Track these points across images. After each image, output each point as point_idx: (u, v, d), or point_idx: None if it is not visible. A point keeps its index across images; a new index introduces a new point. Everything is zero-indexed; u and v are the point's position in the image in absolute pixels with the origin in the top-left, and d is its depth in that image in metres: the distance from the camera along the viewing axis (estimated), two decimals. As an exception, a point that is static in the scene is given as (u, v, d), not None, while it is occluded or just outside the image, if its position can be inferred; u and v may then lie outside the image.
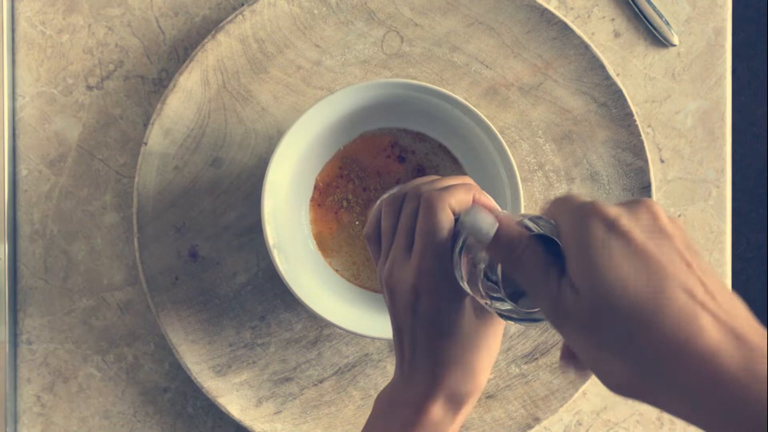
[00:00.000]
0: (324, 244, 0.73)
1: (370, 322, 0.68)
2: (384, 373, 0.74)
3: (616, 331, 0.40)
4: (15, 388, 0.75)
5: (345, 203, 0.72)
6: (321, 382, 0.74)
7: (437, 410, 0.52)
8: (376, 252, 0.58)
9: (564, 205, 0.45)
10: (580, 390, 0.74)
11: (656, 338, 0.39)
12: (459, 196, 0.53)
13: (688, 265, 0.41)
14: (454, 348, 0.52)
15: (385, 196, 0.60)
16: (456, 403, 0.52)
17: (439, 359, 0.52)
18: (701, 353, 0.38)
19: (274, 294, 0.74)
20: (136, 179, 0.72)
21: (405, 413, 0.52)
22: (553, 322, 0.43)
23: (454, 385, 0.52)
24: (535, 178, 0.73)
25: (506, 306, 0.47)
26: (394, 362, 0.62)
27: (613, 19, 0.75)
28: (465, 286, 0.51)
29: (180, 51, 0.75)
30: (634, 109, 0.73)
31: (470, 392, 0.52)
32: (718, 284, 0.41)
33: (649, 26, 0.75)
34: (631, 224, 0.42)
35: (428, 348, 0.52)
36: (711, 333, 0.39)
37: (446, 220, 0.52)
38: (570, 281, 0.42)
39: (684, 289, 0.40)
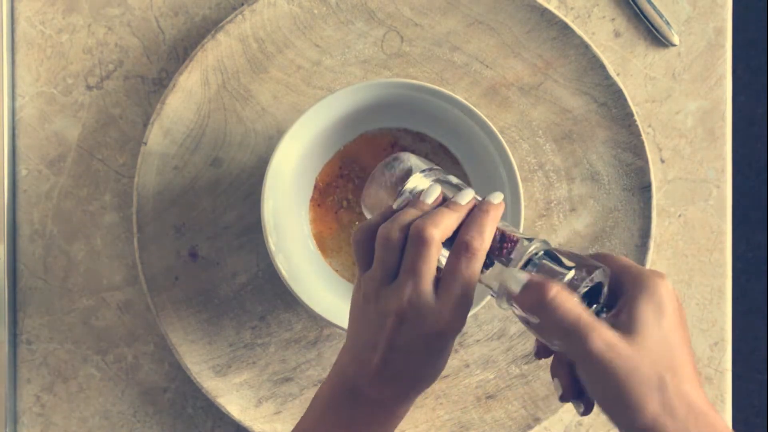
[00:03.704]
0: (324, 244, 0.72)
1: (370, 322, 0.68)
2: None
3: None
4: (15, 388, 0.75)
5: (345, 203, 0.72)
6: (321, 382, 0.74)
7: (404, 411, 0.58)
8: (368, 260, 0.58)
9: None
10: (580, 390, 0.74)
11: None
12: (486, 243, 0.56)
13: None
14: (428, 383, 0.57)
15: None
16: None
17: (413, 388, 0.56)
18: None
19: (274, 294, 0.74)
20: (136, 179, 0.72)
21: (375, 411, 0.56)
22: None
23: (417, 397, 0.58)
24: (535, 178, 0.73)
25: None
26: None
27: (613, 19, 0.75)
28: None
29: (180, 51, 0.75)
30: (634, 109, 0.73)
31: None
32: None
33: (650, 26, 0.75)
34: None
35: (418, 379, 0.56)
36: None
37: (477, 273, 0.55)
38: None
39: None
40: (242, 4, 0.75)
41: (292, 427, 0.73)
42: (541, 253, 0.54)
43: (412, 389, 0.56)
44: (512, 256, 0.55)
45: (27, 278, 0.75)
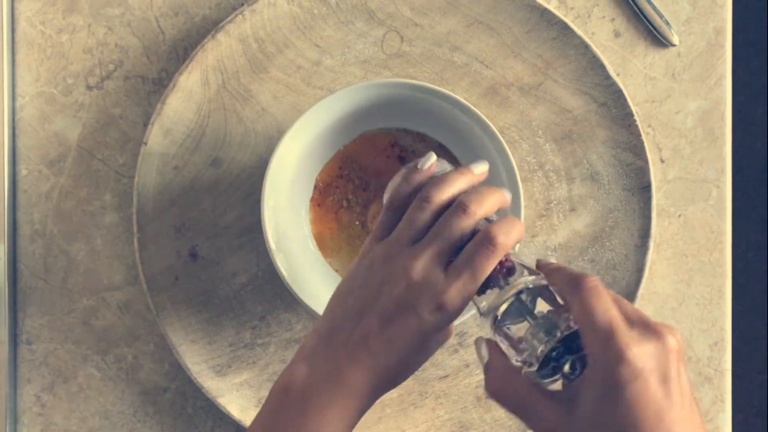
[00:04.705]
0: (324, 244, 0.73)
1: (370, 322, 0.68)
2: (384, 373, 0.74)
3: None
4: (15, 388, 0.75)
5: (345, 203, 0.72)
6: (321, 382, 0.74)
7: (371, 402, 0.56)
8: (393, 223, 0.58)
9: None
10: (580, 390, 0.74)
11: None
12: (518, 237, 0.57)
13: None
14: (416, 364, 0.56)
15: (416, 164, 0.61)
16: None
17: (401, 364, 0.55)
18: None
19: (274, 294, 0.74)
20: (136, 179, 0.72)
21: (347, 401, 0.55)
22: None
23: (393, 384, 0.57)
24: (535, 178, 0.73)
25: (533, 370, 0.52)
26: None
27: (613, 19, 0.75)
28: (490, 329, 0.55)
29: (180, 51, 0.75)
30: (634, 109, 0.73)
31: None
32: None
33: (649, 26, 0.75)
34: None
35: (404, 360, 0.55)
36: None
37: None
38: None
39: None
40: (242, 4, 0.75)
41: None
42: (524, 295, 0.54)
43: (393, 372, 0.55)
44: (509, 280, 0.55)
45: (27, 278, 0.75)
